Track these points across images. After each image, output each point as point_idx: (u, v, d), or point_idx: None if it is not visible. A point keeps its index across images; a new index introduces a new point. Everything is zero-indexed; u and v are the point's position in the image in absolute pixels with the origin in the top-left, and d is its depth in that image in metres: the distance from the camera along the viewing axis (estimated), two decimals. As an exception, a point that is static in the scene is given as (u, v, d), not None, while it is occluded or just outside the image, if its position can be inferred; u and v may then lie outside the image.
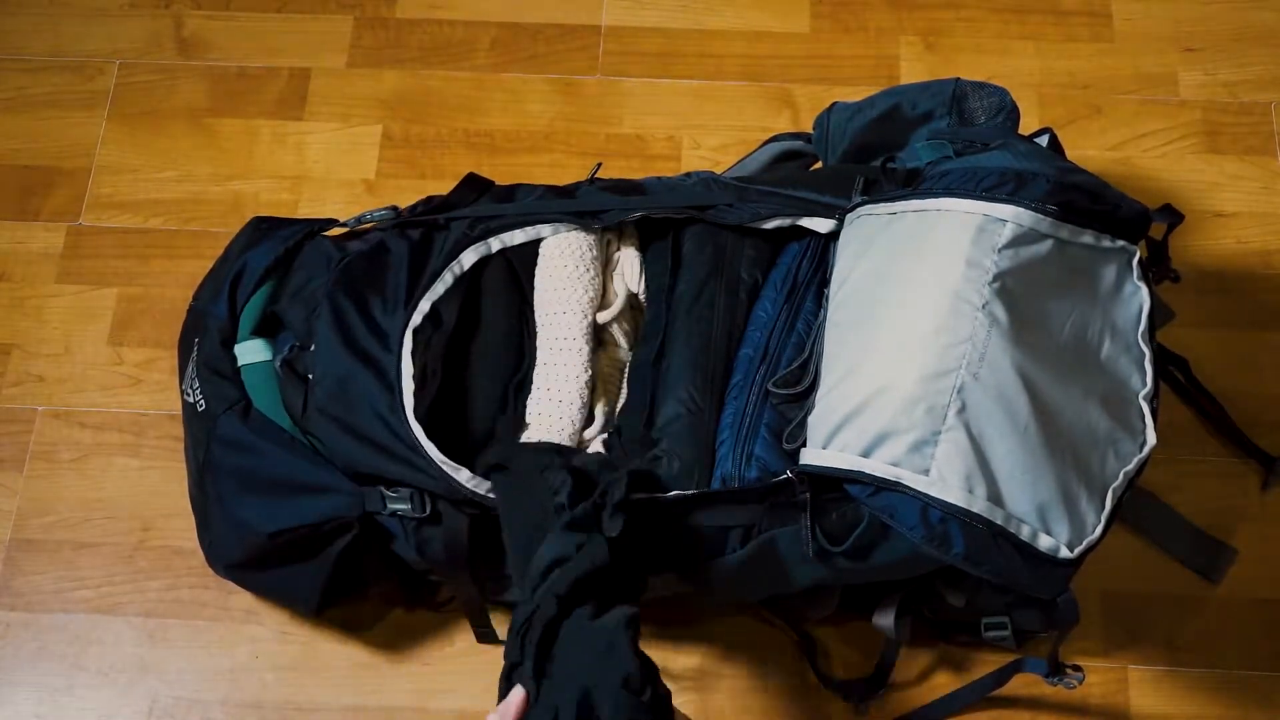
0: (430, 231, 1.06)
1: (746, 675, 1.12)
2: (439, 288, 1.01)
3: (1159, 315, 0.92)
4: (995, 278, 0.85)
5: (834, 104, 1.14)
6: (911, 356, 0.85)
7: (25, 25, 1.42)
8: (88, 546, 1.18)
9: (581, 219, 1.04)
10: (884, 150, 1.09)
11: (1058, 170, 0.89)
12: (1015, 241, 0.86)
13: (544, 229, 1.05)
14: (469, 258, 1.03)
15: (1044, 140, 1.04)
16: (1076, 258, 0.88)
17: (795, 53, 1.40)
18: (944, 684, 1.10)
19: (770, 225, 1.03)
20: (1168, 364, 1.18)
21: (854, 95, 1.17)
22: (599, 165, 1.14)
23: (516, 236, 1.05)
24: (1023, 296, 0.85)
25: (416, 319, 0.99)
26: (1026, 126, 1.09)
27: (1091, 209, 0.88)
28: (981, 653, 1.11)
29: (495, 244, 1.04)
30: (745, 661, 1.12)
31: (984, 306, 0.84)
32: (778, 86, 1.38)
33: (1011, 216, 0.86)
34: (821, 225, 1.02)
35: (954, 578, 0.99)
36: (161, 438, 1.22)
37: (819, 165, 1.17)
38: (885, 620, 1.02)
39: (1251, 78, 1.37)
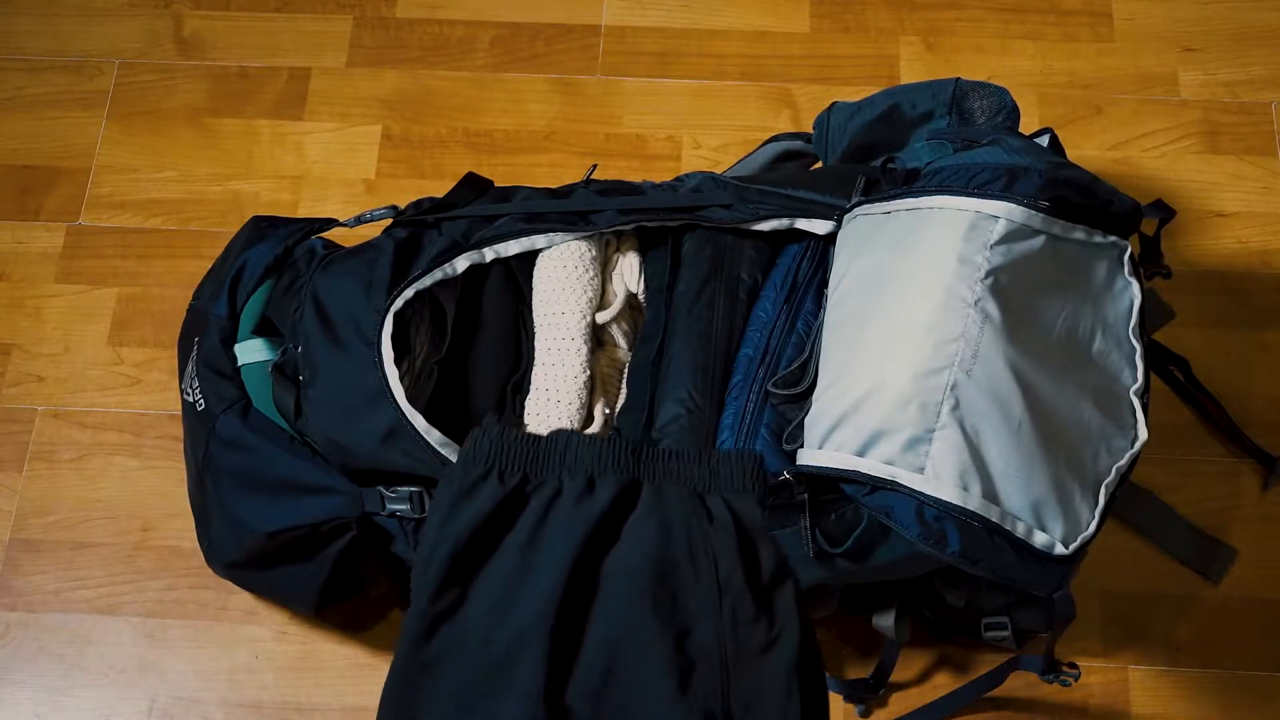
0: (420, 232, 1.05)
1: (745, 675, 1.12)
2: (426, 281, 0.98)
3: (1160, 315, 0.92)
4: (988, 274, 0.85)
5: (834, 104, 1.14)
6: (904, 354, 0.85)
7: (25, 25, 1.42)
8: (87, 546, 1.19)
9: (575, 224, 1.03)
10: (884, 150, 1.09)
11: (1049, 166, 0.88)
12: (1007, 238, 0.85)
13: (539, 240, 1.03)
14: (462, 263, 1.01)
15: (1044, 140, 1.04)
16: (1068, 253, 0.88)
17: (795, 53, 1.40)
18: (944, 684, 1.10)
19: (767, 228, 1.02)
20: (1168, 364, 1.17)
21: (854, 95, 1.17)
22: (594, 167, 1.13)
23: (511, 248, 1.02)
24: (1015, 293, 0.85)
25: (398, 303, 0.96)
26: (1026, 126, 1.09)
27: (1083, 204, 0.88)
28: (981, 653, 1.11)
29: (489, 254, 1.03)
30: (744, 661, 1.12)
31: (976, 303, 0.84)
32: (778, 86, 1.38)
33: (1003, 213, 0.86)
34: (820, 226, 1.01)
35: (953, 577, 0.99)
36: (161, 437, 1.22)
37: (819, 165, 1.17)
38: (885, 620, 1.02)
39: (1252, 77, 1.36)
